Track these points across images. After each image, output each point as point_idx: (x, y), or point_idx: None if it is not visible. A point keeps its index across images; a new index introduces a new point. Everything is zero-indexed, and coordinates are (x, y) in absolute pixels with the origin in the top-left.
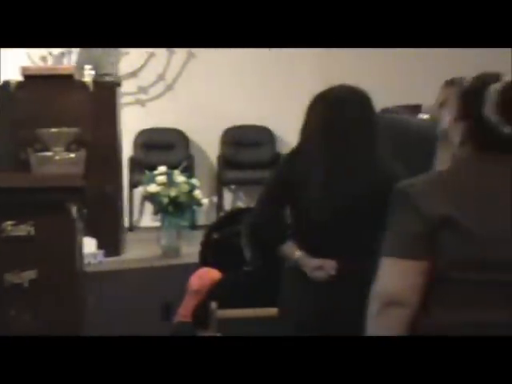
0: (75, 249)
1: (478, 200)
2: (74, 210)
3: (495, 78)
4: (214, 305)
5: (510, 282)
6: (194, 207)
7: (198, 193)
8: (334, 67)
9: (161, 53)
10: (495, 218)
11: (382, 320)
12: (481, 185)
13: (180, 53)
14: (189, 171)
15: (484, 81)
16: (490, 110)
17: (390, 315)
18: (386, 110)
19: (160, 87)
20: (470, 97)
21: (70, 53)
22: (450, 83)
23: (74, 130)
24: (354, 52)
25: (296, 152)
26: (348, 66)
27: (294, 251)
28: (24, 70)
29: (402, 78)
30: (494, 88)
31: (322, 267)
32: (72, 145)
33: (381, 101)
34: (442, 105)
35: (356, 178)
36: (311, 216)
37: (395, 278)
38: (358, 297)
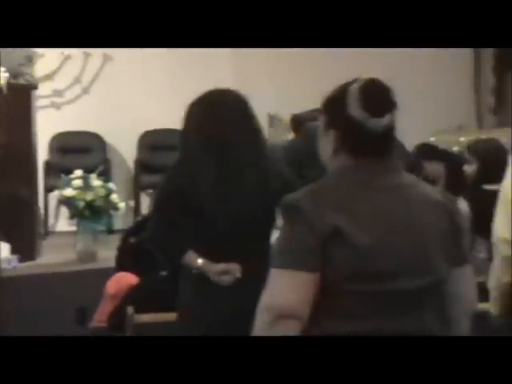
0: None
1: (363, 210)
2: None
3: (353, 81)
4: (130, 309)
5: (395, 292)
6: (111, 211)
7: (114, 197)
8: (249, 68)
9: (77, 55)
10: (379, 228)
11: (273, 332)
12: (363, 195)
13: (96, 56)
14: (105, 175)
15: (342, 86)
16: (354, 109)
17: (282, 327)
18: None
19: (76, 90)
20: (332, 104)
21: None
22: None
23: None
24: (272, 52)
25: (180, 162)
26: (262, 65)
27: (195, 259)
28: None
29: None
30: (354, 87)
31: (227, 271)
32: None
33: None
34: None
35: (244, 181)
36: (206, 224)
37: (288, 291)
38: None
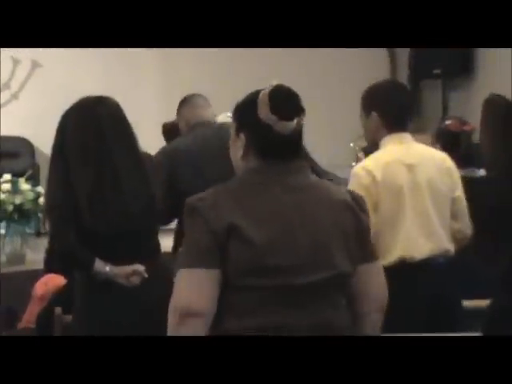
0: None
1: (261, 209)
2: None
3: (263, 88)
4: (58, 310)
5: (294, 286)
6: (39, 214)
7: (43, 200)
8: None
9: (5, 61)
10: (277, 226)
11: (182, 332)
12: (264, 194)
13: (25, 62)
14: (34, 179)
15: (252, 92)
16: (263, 113)
17: (189, 326)
18: None
19: (5, 96)
20: (242, 108)
21: None
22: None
23: None
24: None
25: (58, 173)
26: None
27: (103, 266)
28: None
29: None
30: (264, 92)
31: (134, 272)
32: None
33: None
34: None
35: (124, 185)
36: (98, 230)
37: (189, 289)
38: (163, 293)
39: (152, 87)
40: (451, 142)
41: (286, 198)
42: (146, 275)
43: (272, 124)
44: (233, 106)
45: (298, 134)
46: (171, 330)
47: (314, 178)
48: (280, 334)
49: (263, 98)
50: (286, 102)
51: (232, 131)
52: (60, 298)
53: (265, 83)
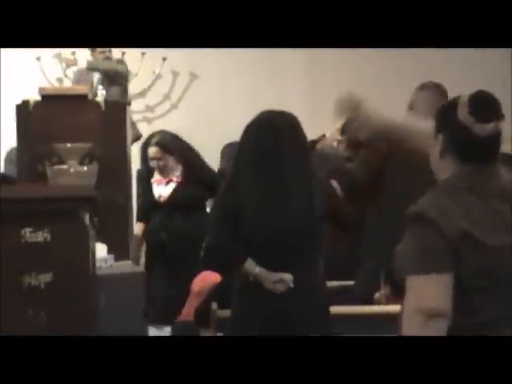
0: (88, 253)
1: (481, 215)
2: (86, 218)
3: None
4: (214, 305)
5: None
6: None
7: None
8: (322, 83)
9: (166, 74)
10: (495, 229)
11: (429, 332)
12: (478, 200)
13: (183, 74)
14: None
15: (455, 97)
16: (462, 115)
17: (434, 327)
18: None
19: (166, 106)
20: (443, 110)
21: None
22: (420, 88)
23: (87, 145)
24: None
25: (233, 177)
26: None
27: (254, 267)
28: (41, 90)
29: None
30: (464, 95)
31: (281, 280)
32: (85, 158)
33: None
34: (410, 107)
35: (292, 198)
36: (257, 234)
37: (435, 292)
38: (305, 305)
39: (299, 93)
40: None
41: (493, 201)
42: (292, 285)
43: (470, 126)
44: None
45: (495, 138)
46: (415, 330)
47: (506, 180)
48: (496, 330)
49: (463, 101)
50: (485, 105)
51: (432, 130)
52: (216, 293)
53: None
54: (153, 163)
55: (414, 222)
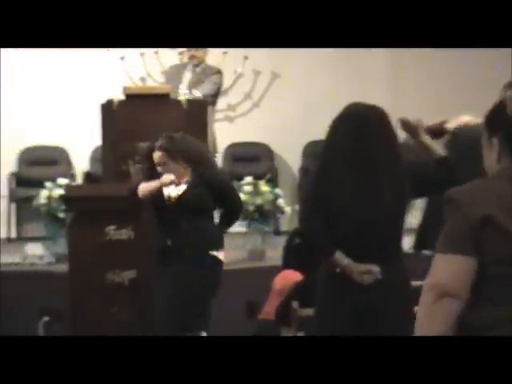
0: None
1: None
2: None
3: (507, 87)
4: (295, 304)
5: None
6: (278, 215)
7: (281, 201)
8: (403, 85)
9: (248, 73)
10: None
11: (436, 309)
12: None
13: (265, 73)
14: (273, 182)
15: (499, 98)
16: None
17: (444, 305)
18: None
19: (247, 105)
20: (492, 113)
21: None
22: (508, 86)
23: None
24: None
25: (323, 169)
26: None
27: (342, 258)
28: (125, 89)
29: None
30: (510, 92)
31: (369, 272)
32: None
33: None
34: None
35: (382, 190)
36: (346, 226)
37: (448, 272)
38: (392, 298)
39: (380, 93)
40: None
41: None
42: (380, 277)
43: None
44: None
45: None
46: (424, 308)
47: None
48: None
49: (510, 95)
50: None
51: (484, 141)
52: (297, 292)
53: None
54: (159, 168)
55: (445, 204)
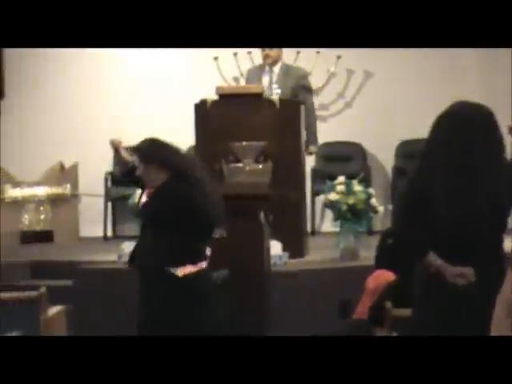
0: (263, 251)
1: None
2: (261, 215)
3: None
4: (389, 304)
5: None
6: (371, 214)
7: (374, 201)
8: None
9: (341, 72)
10: None
11: (506, 324)
12: None
13: (358, 72)
14: (366, 181)
15: None
16: None
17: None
18: None
19: (340, 105)
20: None
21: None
22: None
23: (262, 143)
24: None
25: (422, 168)
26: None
27: (435, 259)
28: (218, 89)
29: None
30: None
31: (462, 274)
32: (260, 157)
33: None
34: None
35: (482, 191)
36: (443, 227)
37: None
38: (486, 301)
39: (473, 93)
40: None
41: None
42: (473, 279)
43: None
44: None
45: None
46: (496, 322)
47: None
48: None
49: None
50: None
51: None
52: (390, 292)
53: None
54: (137, 171)
55: None
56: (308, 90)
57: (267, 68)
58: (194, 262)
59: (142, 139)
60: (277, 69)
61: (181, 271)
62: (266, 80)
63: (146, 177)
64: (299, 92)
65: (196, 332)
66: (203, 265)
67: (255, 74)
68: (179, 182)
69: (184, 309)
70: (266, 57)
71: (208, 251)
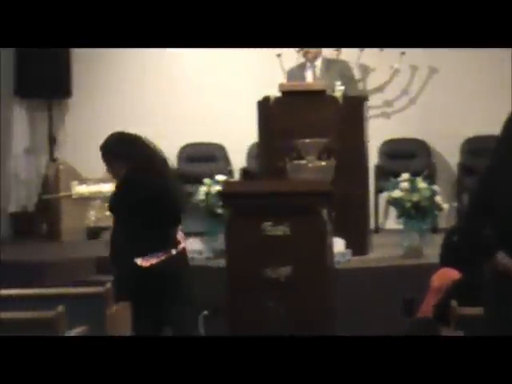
0: (326, 248)
1: None
2: (324, 212)
3: None
4: (454, 303)
5: None
6: (435, 212)
7: (438, 198)
8: None
9: (405, 69)
10: None
11: None
12: None
13: (422, 68)
14: (430, 178)
15: None
16: None
17: None
18: None
19: (404, 101)
20: None
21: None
22: None
23: (324, 140)
24: None
25: (492, 167)
26: None
27: (503, 257)
28: (281, 86)
29: None
30: None
31: None
32: (323, 154)
33: None
34: None
35: None
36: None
37: None
38: None
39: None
40: None
41: None
42: None
43: None
44: None
45: None
46: None
47: None
48: None
49: None
50: None
51: None
52: (455, 290)
53: None
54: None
55: None
56: (353, 81)
57: (308, 64)
58: (158, 252)
59: (108, 135)
60: (318, 63)
61: (146, 262)
62: (309, 76)
63: (110, 171)
64: (344, 84)
65: (170, 320)
66: (172, 252)
67: (296, 72)
68: (136, 173)
69: (153, 299)
70: (306, 53)
71: (180, 237)
